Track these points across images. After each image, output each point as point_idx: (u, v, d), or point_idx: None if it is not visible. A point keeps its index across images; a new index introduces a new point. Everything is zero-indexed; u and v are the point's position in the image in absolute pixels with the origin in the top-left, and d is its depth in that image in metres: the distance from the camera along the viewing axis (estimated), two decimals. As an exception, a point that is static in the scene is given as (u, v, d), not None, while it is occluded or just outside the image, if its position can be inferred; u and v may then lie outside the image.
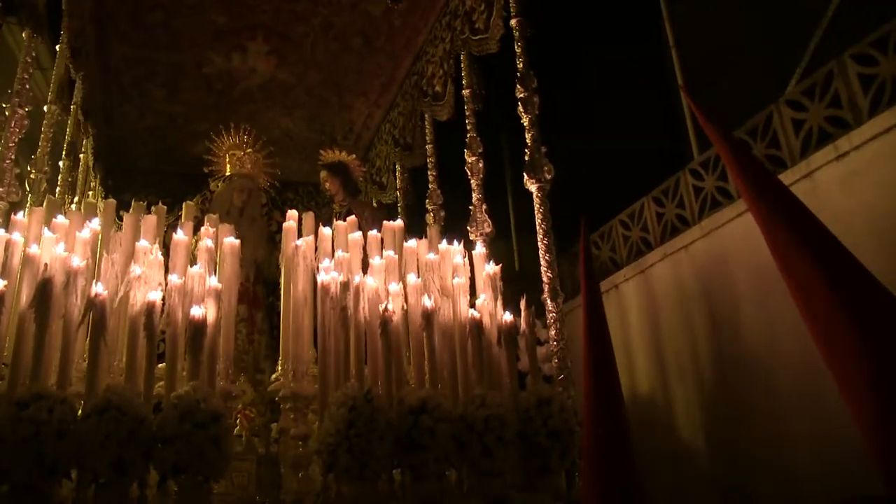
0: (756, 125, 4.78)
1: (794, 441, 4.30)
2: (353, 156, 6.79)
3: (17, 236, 3.81)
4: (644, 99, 7.32)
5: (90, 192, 7.37)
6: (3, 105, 4.79)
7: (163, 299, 3.74)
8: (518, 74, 5.06)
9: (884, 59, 3.93)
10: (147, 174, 8.33)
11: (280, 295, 5.91)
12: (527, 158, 4.79)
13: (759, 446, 4.55)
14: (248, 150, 6.61)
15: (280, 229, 6.25)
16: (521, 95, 4.97)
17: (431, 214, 6.30)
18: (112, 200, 4.69)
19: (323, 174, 6.56)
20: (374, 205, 7.81)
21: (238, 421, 4.74)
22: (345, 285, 3.92)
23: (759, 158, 3.21)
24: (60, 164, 6.30)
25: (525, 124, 4.92)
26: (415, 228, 5.24)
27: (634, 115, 7.15)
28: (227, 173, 6.50)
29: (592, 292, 3.33)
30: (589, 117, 7.14)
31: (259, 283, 5.92)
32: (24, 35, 4.96)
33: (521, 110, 4.94)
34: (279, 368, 4.30)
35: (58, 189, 6.06)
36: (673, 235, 5.60)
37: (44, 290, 3.47)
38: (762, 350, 4.57)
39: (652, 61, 7.29)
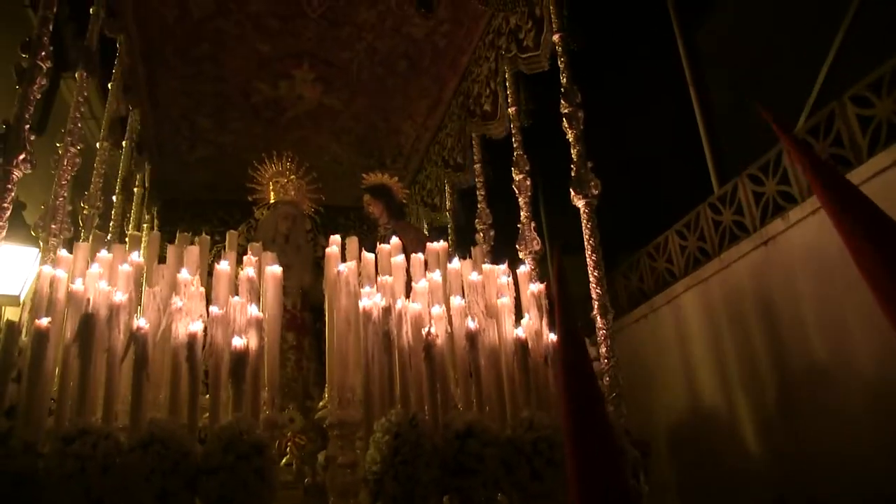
0: (769, 160, 5.11)
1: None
2: (396, 178, 6.76)
3: (60, 273, 3.84)
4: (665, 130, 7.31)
5: (145, 226, 7.49)
6: (57, 144, 4.86)
7: (205, 331, 3.74)
8: (562, 90, 4.98)
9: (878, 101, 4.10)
10: (199, 205, 8.42)
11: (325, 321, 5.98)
12: (573, 174, 4.69)
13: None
14: (292, 177, 6.65)
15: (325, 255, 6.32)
16: (566, 111, 4.88)
17: (481, 234, 6.24)
18: (157, 233, 4.72)
19: (366, 197, 6.55)
20: (421, 227, 7.78)
21: (288, 449, 4.71)
22: (387, 310, 3.87)
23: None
24: (114, 198, 6.39)
25: (570, 140, 4.83)
26: (467, 249, 5.18)
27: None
28: (272, 200, 6.53)
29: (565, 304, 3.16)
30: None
31: (306, 310, 5.91)
32: (76, 76, 5.03)
33: (566, 125, 4.86)
34: (326, 395, 4.27)
35: (111, 224, 6.14)
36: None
37: (87, 324, 3.50)
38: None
39: (672, 92, 7.29)
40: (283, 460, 4.58)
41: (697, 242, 5.82)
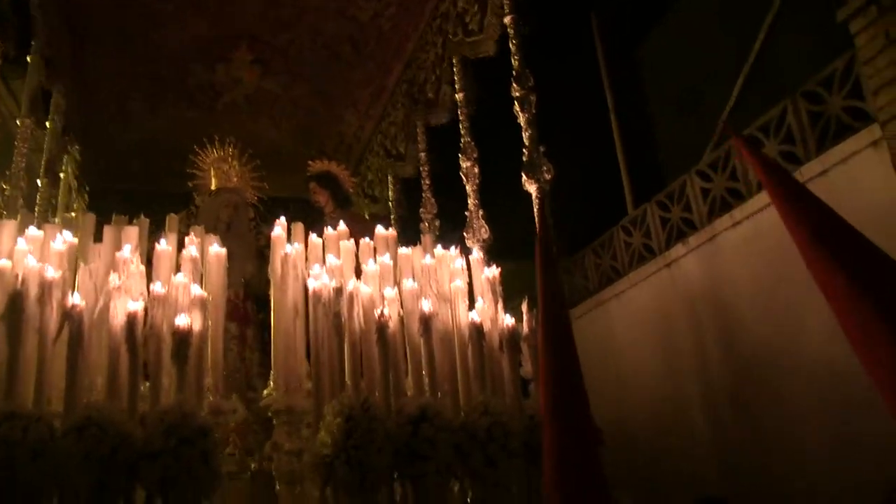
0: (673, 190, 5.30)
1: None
2: (343, 165, 6.60)
3: (-14, 249, 3.60)
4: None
5: (72, 213, 7.15)
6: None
7: (145, 311, 3.54)
8: (514, 73, 4.90)
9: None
10: (130, 194, 8.07)
11: (270, 310, 5.78)
12: (525, 158, 4.61)
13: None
14: (234, 164, 6.42)
15: (269, 244, 6.11)
16: (518, 94, 4.81)
17: (426, 224, 6.12)
18: (92, 214, 4.46)
19: (312, 185, 6.36)
20: (367, 217, 7.61)
21: (231, 439, 4.52)
22: (338, 291, 3.73)
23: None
24: (38, 181, 6.08)
25: (522, 123, 4.75)
26: (409, 241, 5.04)
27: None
28: (213, 187, 6.29)
29: (549, 274, 3.06)
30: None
31: (249, 300, 5.69)
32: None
33: (518, 109, 4.77)
34: (271, 383, 4.10)
35: (37, 208, 5.84)
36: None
37: (15, 302, 3.28)
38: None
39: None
40: (227, 450, 4.38)
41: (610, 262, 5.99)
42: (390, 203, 7.38)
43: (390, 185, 7.43)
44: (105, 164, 7.86)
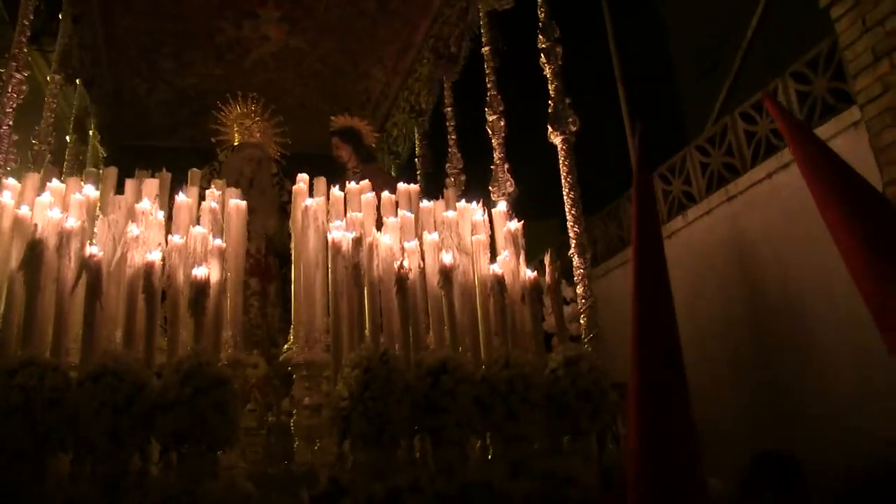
0: (674, 164, 5.53)
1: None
2: (366, 121, 6.52)
3: (6, 198, 3.59)
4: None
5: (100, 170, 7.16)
6: (0, 70, 4.56)
7: (163, 261, 3.52)
8: (540, 25, 4.80)
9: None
10: (157, 151, 8.04)
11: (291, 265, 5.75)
12: (550, 110, 4.51)
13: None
14: (257, 119, 6.37)
15: (291, 200, 6.07)
16: (544, 46, 4.72)
17: (451, 178, 6.04)
18: (114, 168, 4.44)
19: (334, 140, 6.30)
20: (391, 173, 7.56)
21: (252, 396, 4.51)
22: (357, 241, 3.67)
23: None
24: (67, 138, 6.09)
25: (548, 75, 4.65)
26: (433, 196, 4.97)
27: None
28: (236, 143, 6.26)
29: (647, 216, 2.89)
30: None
31: (271, 255, 5.66)
32: (21, -1, 4.72)
33: (544, 61, 4.68)
34: (291, 337, 4.07)
35: (65, 164, 5.85)
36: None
37: (34, 251, 3.26)
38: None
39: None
40: (247, 406, 4.37)
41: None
42: (416, 159, 7.30)
43: (416, 141, 7.35)
44: (133, 121, 7.83)
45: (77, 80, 6.22)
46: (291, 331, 4.08)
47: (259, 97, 6.39)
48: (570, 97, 4.61)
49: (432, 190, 6.07)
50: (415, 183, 6.47)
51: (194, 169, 4.85)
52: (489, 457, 3.55)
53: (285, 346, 4.18)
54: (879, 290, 2.63)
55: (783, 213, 4.58)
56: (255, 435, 4.24)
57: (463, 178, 6.03)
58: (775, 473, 4.03)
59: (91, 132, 6.77)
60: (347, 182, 4.85)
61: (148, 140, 8.06)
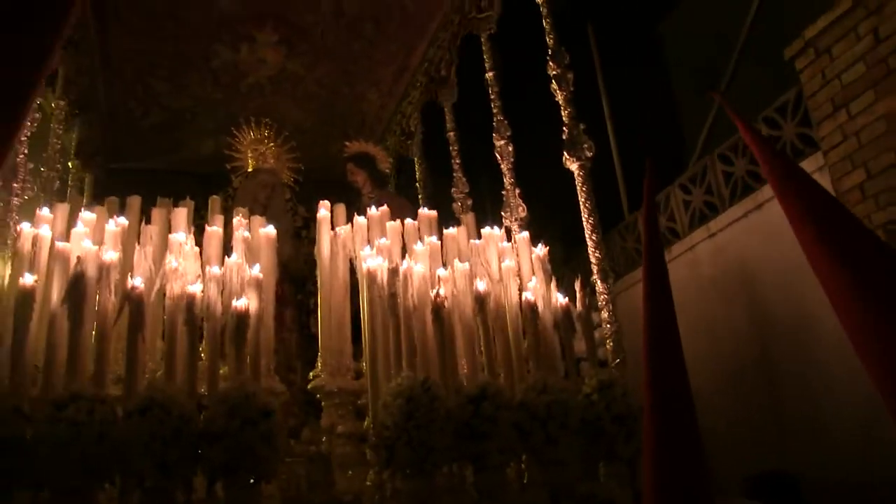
0: (659, 201, 5.64)
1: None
2: (379, 146, 6.57)
3: (44, 231, 3.58)
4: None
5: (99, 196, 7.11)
6: None
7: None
8: (549, 51, 4.86)
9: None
10: (152, 174, 7.99)
11: (307, 292, 5.74)
12: (565, 136, 4.58)
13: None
14: (270, 145, 6.40)
15: (306, 225, 6.08)
16: (555, 72, 4.78)
17: (458, 203, 6.09)
18: (137, 197, 4.44)
19: (349, 166, 6.31)
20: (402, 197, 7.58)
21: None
22: (393, 271, 3.70)
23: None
24: (70, 164, 6.05)
25: (560, 101, 4.72)
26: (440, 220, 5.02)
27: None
28: (250, 169, 6.28)
29: (654, 254, 2.99)
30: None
31: (286, 281, 5.66)
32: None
33: (556, 87, 4.75)
34: (318, 364, 4.08)
35: (69, 189, 5.81)
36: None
37: (77, 284, 3.25)
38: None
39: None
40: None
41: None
42: (417, 183, 7.35)
43: (416, 165, 7.41)
44: (130, 144, 7.78)
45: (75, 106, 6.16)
46: (319, 358, 4.09)
47: (271, 122, 6.42)
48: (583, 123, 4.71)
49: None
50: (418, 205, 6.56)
51: (215, 196, 4.86)
52: (524, 481, 3.59)
53: (311, 374, 4.18)
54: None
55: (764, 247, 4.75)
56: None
57: (469, 202, 6.08)
58: (774, 492, 4.12)
59: (91, 157, 6.72)
60: (362, 209, 4.89)
61: (142, 163, 8.02)
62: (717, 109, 6.39)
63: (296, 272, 5.48)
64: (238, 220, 4.05)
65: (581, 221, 4.47)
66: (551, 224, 5.55)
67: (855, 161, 3.73)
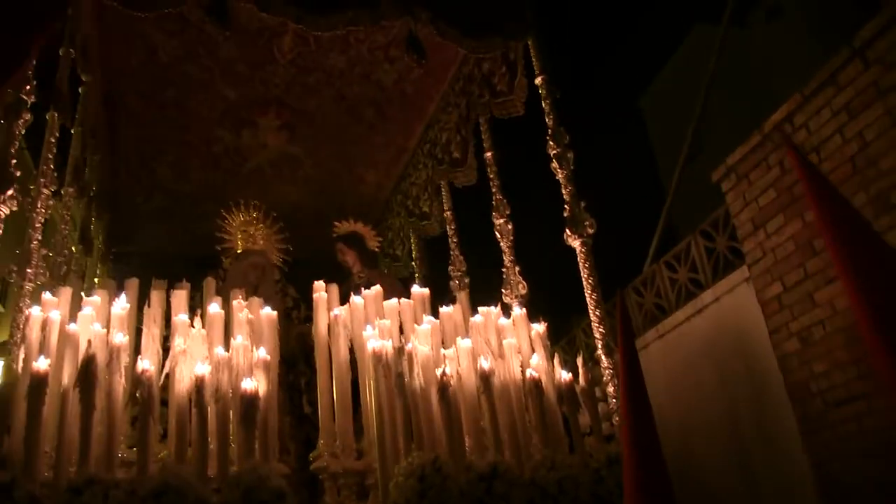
0: (646, 279, 5.74)
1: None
2: (369, 226, 6.65)
3: (54, 315, 3.62)
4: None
5: (96, 278, 7.16)
6: (31, 186, 4.62)
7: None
8: (549, 131, 4.99)
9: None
10: (151, 256, 8.05)
11: (298, 372, 5.74)
12: (566, 214, 4.68)
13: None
14: (260, 226, 6.49)
15: (296, 305, 6.13)
16: (555, 152, 4.89)
17: (456, 281, 6.16)
18: (135, 279, 4.49)
19: (339, 245, 6.40)
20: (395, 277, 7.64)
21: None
22: (399, 351, 3.75)
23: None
24: (73, 249, 6.11)
25: (561, 180, 4.83)
26: (434, 298, 5.07)
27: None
28: (240, 250, 6.35)
29: (630, 359, 3.36)
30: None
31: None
32: (47, 117, 4.82)
33: (556, 166, 4.85)
34: (319, 444, 4.08)
35: (73, 273, 5.86)
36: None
37: (88, 368, 3.29)
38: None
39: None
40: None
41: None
42: (414, 263, 7.43)
43: (413, 244, 7.49)
44: (129, 228, 7.88)
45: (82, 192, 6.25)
46: (320, 438, 4.09)
47: (260, 204, 6.52)
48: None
49: (433, 293, 6.20)
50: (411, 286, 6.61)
51: (210, 278, 4.93)
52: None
53: (311, 456, 4.17)
54: None
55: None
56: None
57: (467, 280, 6.14)
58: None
59: (95, 241, 6.80)
60: (353, 288, 4.94)
61: (140, 246, 8.10)
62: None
63: (286, 353, 5.48)
64: (238, 302, 4.10)
65: (569, 295, 4.56)
66: (537, 298, 5.60)
67: (773, 275, 4.11)
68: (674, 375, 5.07)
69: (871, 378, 3.43)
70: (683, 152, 7.13)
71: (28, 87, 4.02)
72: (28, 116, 4.00)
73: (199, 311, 3.91)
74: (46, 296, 3.90)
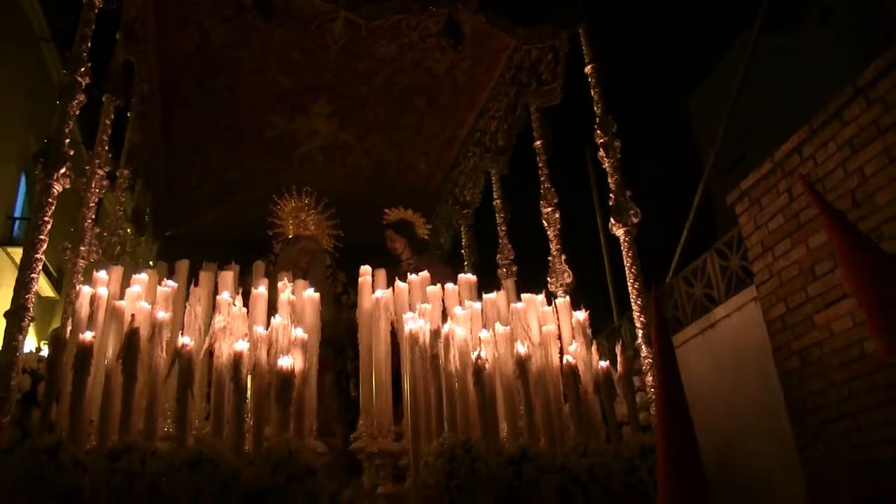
0: (664, 291, 5.82)
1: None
2: (418, 213, 6.68)
3: (102, 291, 3.73)
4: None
5: (150, 261, 7.33)
6: (86, 167, 4.76)
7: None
8: (597, 120, 4.96)
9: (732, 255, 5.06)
10: (202, 242, 8.16)
11: (346, 357, 5.80)
12: (611, 202, 4.65)
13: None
14: (311, 212, 6.55)
15: (345, 290, 6.19)
16: (602, 140, 4.85)
17: (503, 269, 6.17)
18: (186, 261, 4.59)
19: (388, 232, 6.45)
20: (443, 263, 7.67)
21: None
22: (435, 333, 3.77)
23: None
24: (127, 230, 6.27)
25: (607, 169, 4.80)
26: (484, 286, 5.09)
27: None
28: (291, 235, 6.43)
29: (666, 353, 3.36)
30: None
31: (325, 346, 5.74)
32: (104, 98, 4.95)
33: (603, 155, 4.82)
34: (359, 425, 4.13)
35: (126, 254, 6.01)
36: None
37: (131, 341, 3.38)
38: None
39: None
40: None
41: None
42: (462, 251, 7.45)
43: (463, 233, 7.51)
44: (182, 212, 8.04)
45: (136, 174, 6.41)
46: (360, 419, 4.14)
47: (312, 190, 6.59)
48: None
49: (480, 281, 6.21)
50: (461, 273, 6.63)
51: (259, 261, 5.01)
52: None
53: (351, 437, 4.23)
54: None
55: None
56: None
57: (514, 268, 6.15)
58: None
59: (147, 222, 6.96)
60: (401, 275, 4.97)
61: (192, 230, 8.25)
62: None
63: (335, 338, 5.54)
64: (283, 283, 4.16)
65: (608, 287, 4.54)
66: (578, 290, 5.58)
67: (778, 296, 4.27)
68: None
69: (861, 398, 3.64)
70: (709, 160, 7.13)
71: (83, 69, 4.11)
72: (82, 97, 4.09)
73: (240, 291, 3.98)
74: (99, 273, 4.01)
